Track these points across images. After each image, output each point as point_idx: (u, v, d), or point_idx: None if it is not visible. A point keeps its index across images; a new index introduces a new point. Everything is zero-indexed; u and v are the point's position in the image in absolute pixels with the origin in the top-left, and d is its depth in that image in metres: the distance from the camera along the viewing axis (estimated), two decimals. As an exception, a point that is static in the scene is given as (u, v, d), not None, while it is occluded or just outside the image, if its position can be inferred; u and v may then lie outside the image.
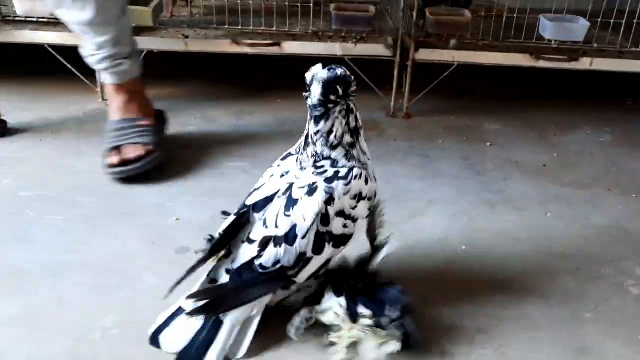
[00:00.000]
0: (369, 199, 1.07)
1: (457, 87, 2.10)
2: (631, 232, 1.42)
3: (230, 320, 1.03)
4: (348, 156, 1.05)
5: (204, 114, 1.92)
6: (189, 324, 1.03)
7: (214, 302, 1.02)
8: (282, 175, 1.08)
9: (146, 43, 1.89)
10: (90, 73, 1.91)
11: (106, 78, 1.59)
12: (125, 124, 1.55)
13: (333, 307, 1.07)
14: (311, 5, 1.95)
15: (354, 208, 1.05)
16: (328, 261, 1.07)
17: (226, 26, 1.95)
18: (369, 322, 1.04)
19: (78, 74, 1.90)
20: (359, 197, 1.05)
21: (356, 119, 1.06)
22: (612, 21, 1.92)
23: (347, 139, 1.05)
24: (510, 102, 2.12)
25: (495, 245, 1.34)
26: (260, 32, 1.95)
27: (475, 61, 1.96)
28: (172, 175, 1.55)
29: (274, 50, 1.94)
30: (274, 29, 1.95)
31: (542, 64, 1.95)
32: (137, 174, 1.48)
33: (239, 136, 1.79)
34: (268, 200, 1.06)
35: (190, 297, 1.03)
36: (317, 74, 1.02)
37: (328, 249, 1.04)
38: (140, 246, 1.28)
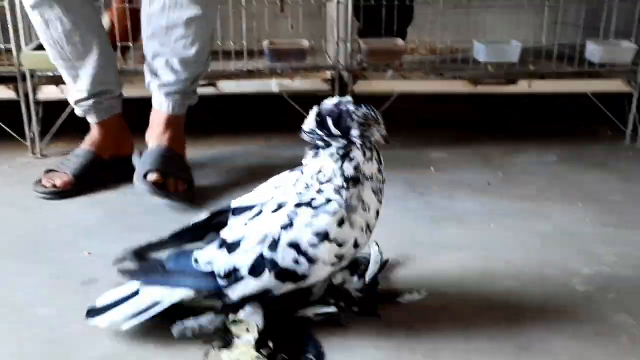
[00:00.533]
0: (339, 245, 0.92)
1: (399, 118, 2.05)
2: (577, 235, 1.34)
3: (144, 292, 0.98)
4: (338, 193, 0.93)
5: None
6: (123, 289, 1.00)
7: (139, 270, 1.00)
8: (277, 187, 0.99)
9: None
10: (19, 128, 1.84)
11: (167, 107, 1.59)
12: (172, 153, 1.56)
13: (248, 322, 0.96)
14: (244, 43, 1.93)
15: (313, 246, 0.91)
16: (270, 291, 0.95)
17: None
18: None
19: (7, 129, 1.83)
20: (323, 236, 0.91)
21: (356, 169, 0.93)
22: (543, 44, 1.94)
23: (338, 182, 0.93)
24: (454, 130, 2.09)
25: (431, 256, 1.24)
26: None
27: (414, 90, 1.94)
28: (90, 212, 1.47)
29: (209, 91, 1.90)
30: (209, 70, 1.91)
31: (480, 89, 1.93)
32: (172, 201, 1.48)
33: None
34: (250, 207, 0.98)
35: (121, 258, 1.02)
36: (327, 102, 0.95)
37: (268, 278, 0.93)
38: (42, 280, 1.17)
